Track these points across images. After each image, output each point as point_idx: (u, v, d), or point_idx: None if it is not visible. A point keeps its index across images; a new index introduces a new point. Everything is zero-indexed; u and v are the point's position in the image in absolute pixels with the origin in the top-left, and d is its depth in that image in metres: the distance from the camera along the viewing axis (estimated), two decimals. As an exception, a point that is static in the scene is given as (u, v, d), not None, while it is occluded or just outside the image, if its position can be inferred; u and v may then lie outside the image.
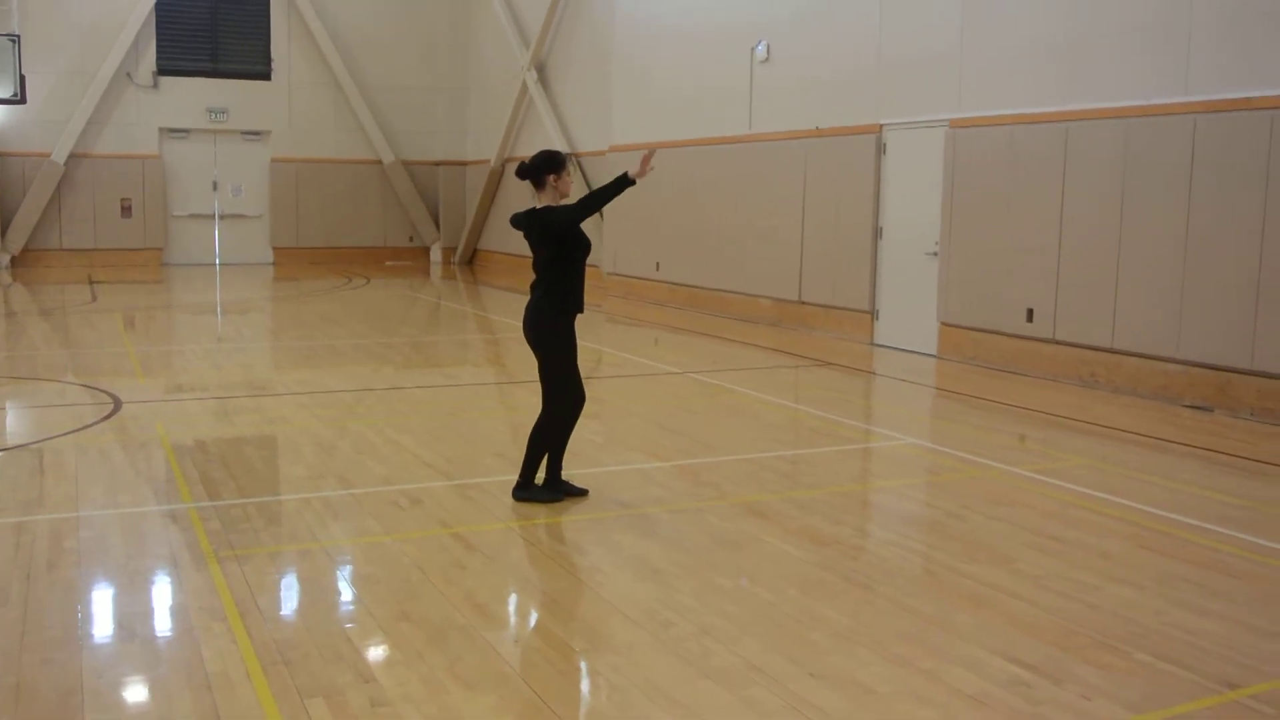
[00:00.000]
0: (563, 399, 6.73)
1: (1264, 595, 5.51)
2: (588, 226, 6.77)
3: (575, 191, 6.64)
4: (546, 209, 6.57)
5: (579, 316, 6.79)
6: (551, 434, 6.79)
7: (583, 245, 6.63)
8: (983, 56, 12.19)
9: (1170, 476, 7.78)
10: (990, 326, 12.14)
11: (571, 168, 6.75)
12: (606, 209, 19.36)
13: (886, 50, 13.53)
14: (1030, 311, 11.61)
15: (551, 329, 6.64)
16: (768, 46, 15.57)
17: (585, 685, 4.47)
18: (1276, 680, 4.52)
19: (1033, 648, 4.75)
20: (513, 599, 5.44)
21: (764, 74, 15.74)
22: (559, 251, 6.58)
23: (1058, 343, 11.37)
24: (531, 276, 6.77)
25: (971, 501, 7.08)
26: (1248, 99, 9.57)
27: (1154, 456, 8.45)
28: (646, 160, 6.64)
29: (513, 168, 6.83)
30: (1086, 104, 10.98)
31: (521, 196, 6.77)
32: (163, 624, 4.99)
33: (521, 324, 6.78)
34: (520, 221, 6.66)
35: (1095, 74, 10.93)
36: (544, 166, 6.62)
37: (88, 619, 5.01)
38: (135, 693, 4.31)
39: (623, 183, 6.52)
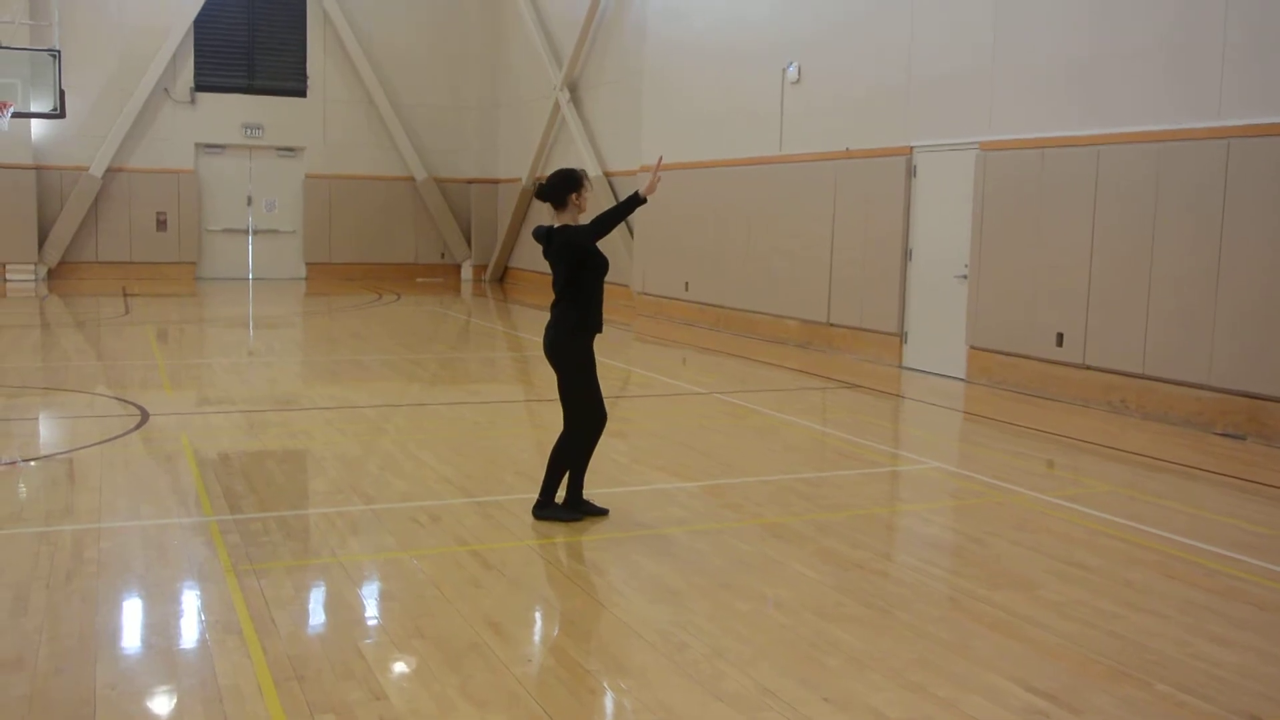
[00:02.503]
0: (583, 418, 6.72)
1: (1291, 627, 5.42)
2: (607, 246, 6.77)
3: (592, 206, 6.63)
4: (564, 228, 6.57)
5: (604, 335, 6.78)
6: (572, 453, 6.77)
7: (600, 264, 6.62)
8: (1013, 79, 12.13)
9: (1198, 505, 7.68)
10: (1019, 350, 12.05)
11: (588, 183, 6.76)
12: (637, 229, 19.55)
13: (917, 72, 13.49)
14: (1060, 336, 11.51)
15: (570, 348, 6.63)
16: (799, 68, 15.56)
17: (596, 706, 4.44)
18: (1301, 714, 4.44)
19: (1052, 676, 4.69)
20: (528, 618, 5.42)
21: (795, 95, 15.73)
22: (577, 271, 6.57)
23: (1088, 368, 11.26)
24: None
25: (996, 527, 7.01)
26: (1282, 124, 9.48)
27: (1183, 484, 8.34)
28: (654, 176, 6.66)
29: None
30: (1118, 127, 10.90)
31: (550, 214, 6.79)
32: (177, 636, 4.99)
33: (542, 343, 6.79)
34: (541, 236, 6.66)
35: (1126, 97, 10.86)
36: (565, 186, 6.61)
37: (103, 630, 5.02)
38: (147, 705, 4.31)
39: (634, 201, 6.53)
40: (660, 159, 7.22)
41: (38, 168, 23.44)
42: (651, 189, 6.64)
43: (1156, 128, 10.54)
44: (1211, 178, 10.01)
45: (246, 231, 25.98)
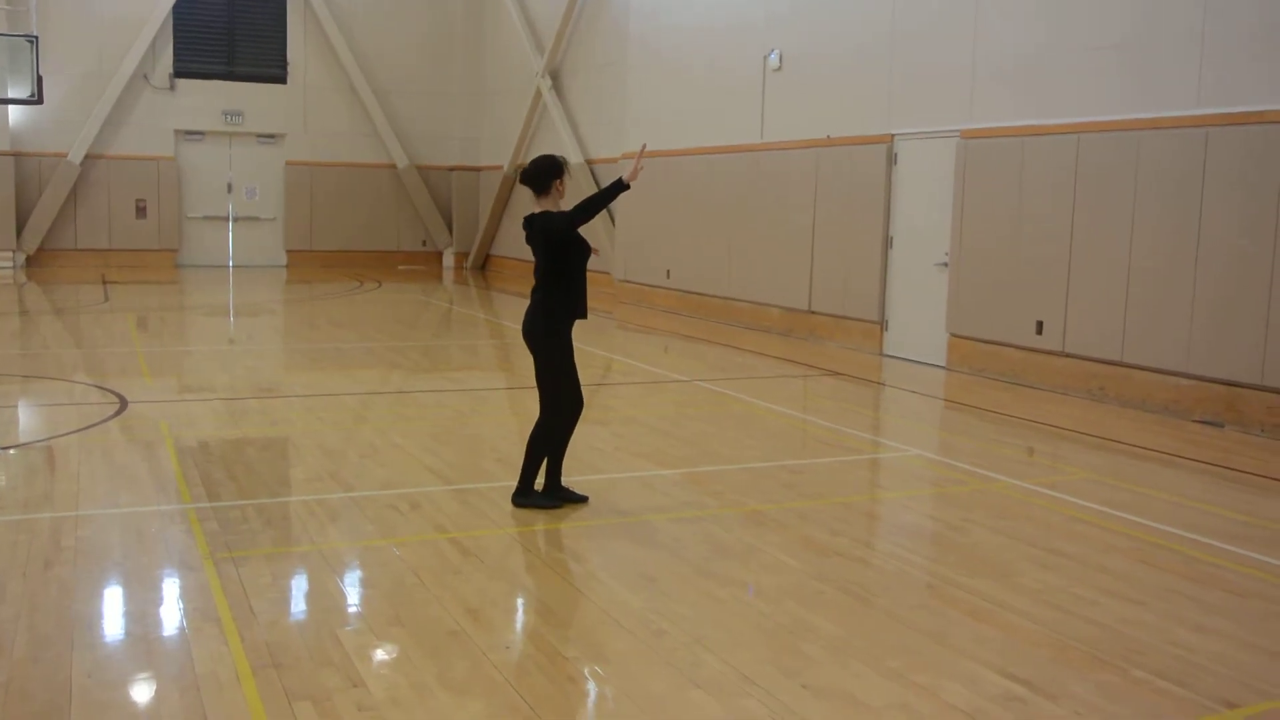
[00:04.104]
0: (560, 404, 6.72)
1: (1266, 613, 5.45)
2: (590, 232, 6.76)
3: (573, 194, 6.63)
4: (545, 214, 6.57)
5: (587, 321, 6.77)
6: (549, 439, 6.77)
7: (582, 250, 6.62)
8: (994, 68, 12.14)
9: (1177, 492, 7.72)
10: (999, 338, 12.08)
11: (570, 170, 6.77)
12: (619, 217, 19.52)
13: (898, 60, 13.49)
14: (1040, 324, 11.55)
15: (548, 333, 6.63)
16: (780, 55, 15.54)
17: (575, 693, 4.44)
18: (1276, 700, 4.46)
19: (1029, 663, 4.71)
20: (506, 605, 5.41)
21: (776, 83, 15.72)
22: (557, 256, 6.57)
23: (1067, 355, 11.30)
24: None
25: (975, 514, 7.03)
26: (1260, 112, 9.51)
27: (1162, 471, 8.38)
28: (638, 161, 6.66)
29: None
30: (1098, 116, 10.93)
31: (531, 200, 6.82)
32: (155, 624, 4.97)
33: (521, 328, 6.78)
34: (525, 223, 6.66)
35: (1105, 86, 10.88)
36: (550, 172, 6.61)
37: (80, 618, 4.99)
38: (123, 693, 4.30)
39: (618, 187, 6.53)
40: (644, 146, 7.19)
41: (15, 154, 23.26)
42: (634, 175, 6.64)
43: (1136, 116, 10.57)
44: (1189, 166, 10.05)
45: (227, 218, 25.85)
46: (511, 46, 25.00)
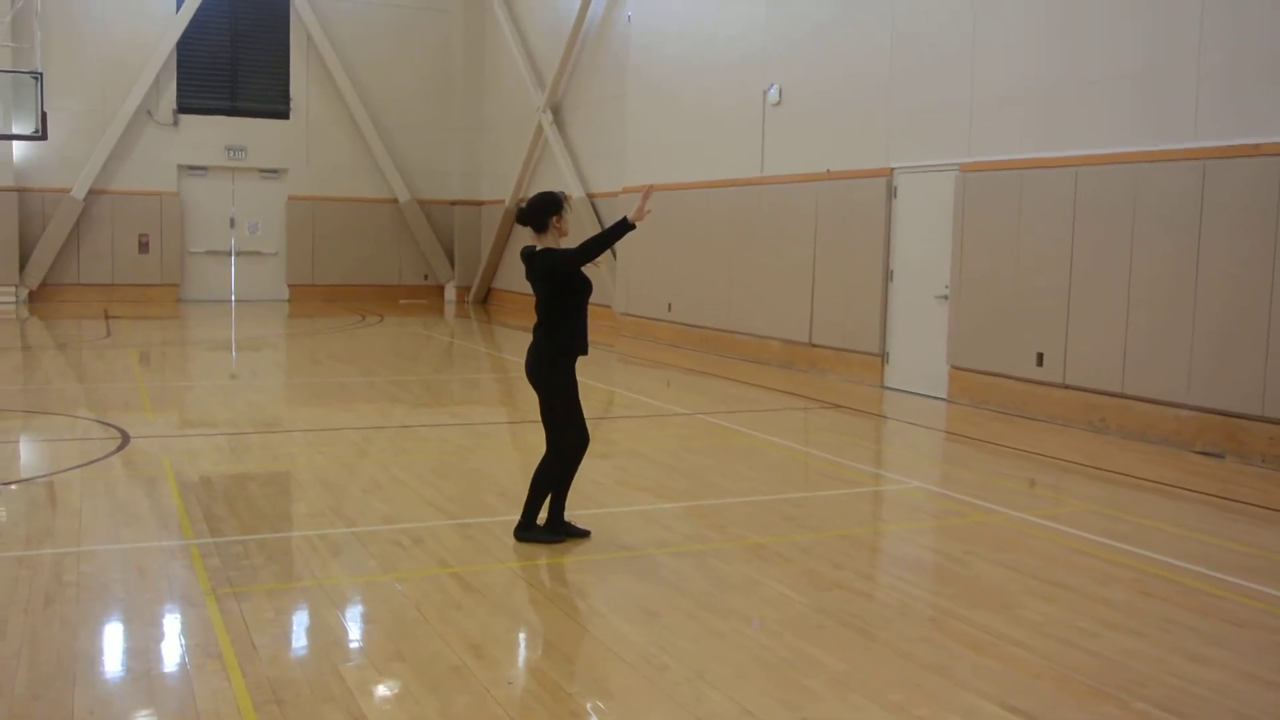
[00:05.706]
0: (566, 441, 6.72)
1: (1267, 644, 5.45)
2: (590, 267, 6.78)
3: (574, 227, 6.65)
4: (547, 251, 6.59)
5: (588, 356, 6.80)
6: (555, 476, 6.78)
7: (584, 287, 6.64)
8: (993, 101, 12.22)
9: (1178, 523, 7.72)
10: (1000, 370, 12.10)
11: (569, 205, 6.78)
12: (620, 250, 19.58)
13: (897, 95, 13.58)
14: (1040, 356, 11.57)
15: (552, 370, 6.64)
16: (780, 90, 15.64)
17: (577, 728, 4.44)
18: (1278, 732, 4.46)
19: (1030, 695, 4.70)
20: (510, 640, 5.41)
21: (776, 117, 15.81)
22: (559, 293, 6.59)
23: (1068, 387, 11.32)
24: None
25: (976, 546, 7.03)
26: (1258, 145, 9.57)
27: (1162, 503, 8.38)
28: (644, 201, 6.66)
29: None
30: (1095, 149, 10.99)
31: (532, 235, 6.83)
32: (157, 661, 4.97)
33: (524, 365, 6.80)
34: (525, 258, 6.68)
35: (1103, 119, 10.95)
36: (545, 210, 6.63)
37: (82, 654, 4.99)
38: (126, 730, 4.30)
39: (623, 227, 6.54)
40: (650, 187, 7.18)
41: (19, 190, 23.38)
42: (640, 215, 6.65)
43: (1133, 149, 10.63)
44: (1187, 199, 10.10)
45: (229, 253, 25.95)
46: (512, 81, 25.16)
